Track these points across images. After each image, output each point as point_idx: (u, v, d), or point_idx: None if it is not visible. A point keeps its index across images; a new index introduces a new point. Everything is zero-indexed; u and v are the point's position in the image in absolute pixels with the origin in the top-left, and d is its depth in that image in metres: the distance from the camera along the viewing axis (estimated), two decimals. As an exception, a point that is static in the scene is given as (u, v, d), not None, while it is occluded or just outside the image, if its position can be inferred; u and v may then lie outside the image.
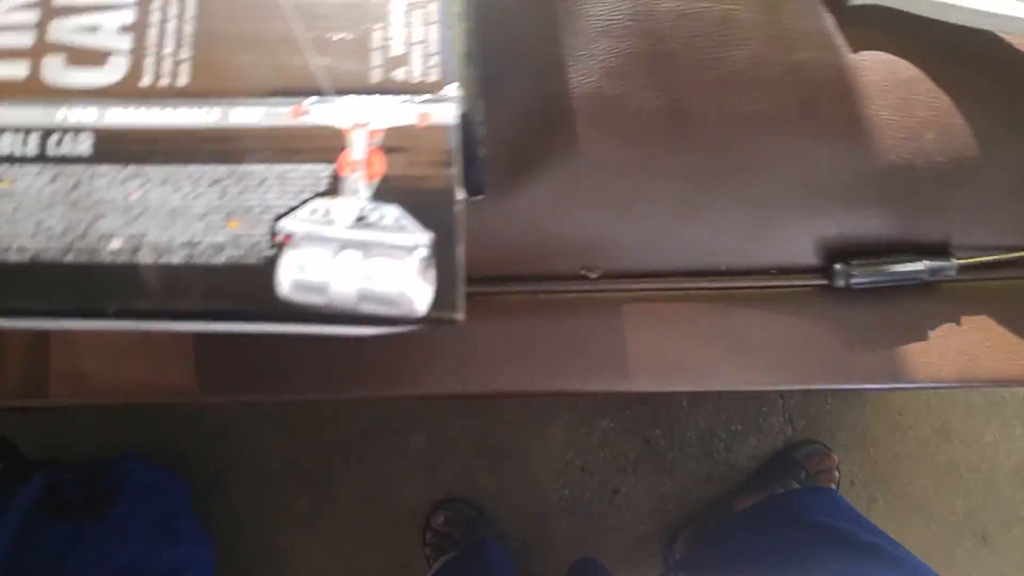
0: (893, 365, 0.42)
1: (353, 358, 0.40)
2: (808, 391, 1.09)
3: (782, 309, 0.42)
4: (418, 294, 0.24)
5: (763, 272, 0.43)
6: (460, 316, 0.24)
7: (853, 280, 0.40)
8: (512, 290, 0.40)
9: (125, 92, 0.26)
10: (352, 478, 1.15)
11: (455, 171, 0.25)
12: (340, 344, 0.40)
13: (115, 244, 0.25)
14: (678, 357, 0.41)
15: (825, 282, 0.42)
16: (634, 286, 0.42)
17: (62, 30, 0.27)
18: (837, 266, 0.40)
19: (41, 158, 0.26)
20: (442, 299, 0.24)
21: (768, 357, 0.41)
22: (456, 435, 1.15)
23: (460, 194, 0.25)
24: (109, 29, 0.27)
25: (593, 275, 0.43)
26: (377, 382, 0.41)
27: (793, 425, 1.21)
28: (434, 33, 0.26)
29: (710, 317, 0.42)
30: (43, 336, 0.40)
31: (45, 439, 1.07)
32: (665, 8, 0.39)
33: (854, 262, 0.40)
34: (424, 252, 0.25)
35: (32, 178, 0.26)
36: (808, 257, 0.42)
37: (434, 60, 0.26)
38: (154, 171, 0.26)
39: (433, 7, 0.27)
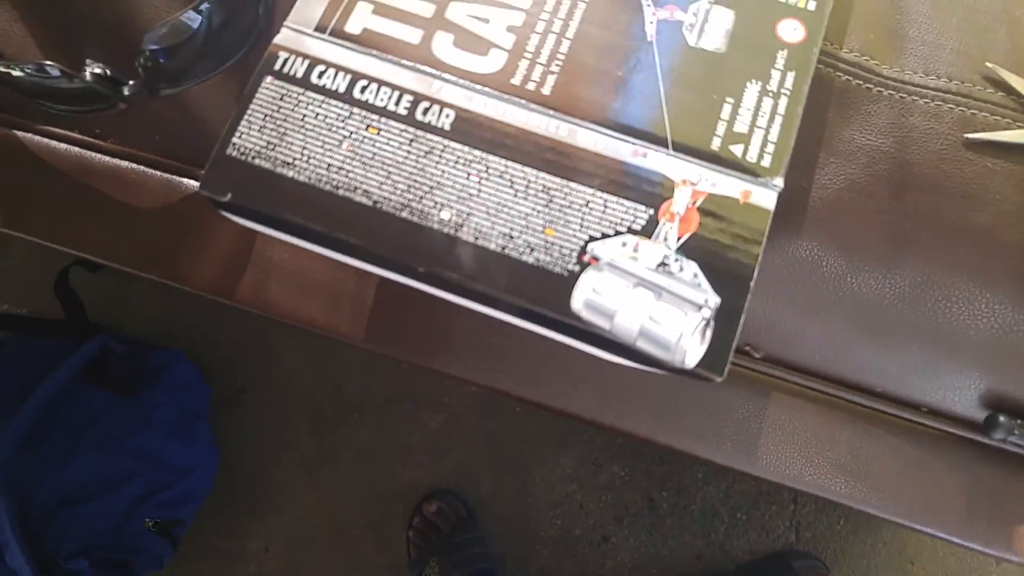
0: (1008, 538, 0.42)
1: (507, 355, 0.42)
2: (825, 505, 1.07)
3: (924, 447, 0.43)
4: (692, 349, 0.26)
5: (916, 406, 0.44)
6: (721, 379, 0.26)
7: (1012, 438, 0.40)
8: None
9: (495, 84, 0.29)
10: (362, 438, 1.16)
11: (760, 252, 0.27)
12: (498, 338, 0.42)
13: (445, 215, 0.28)
14: (804, 455, 0.42)
15: (976, 436, 0.42)
16: (790, 377, 0.44)
17: (459, 13, 0.30)
18: (1001, 417, 0.41)
19: (408, 119, 0.29)
20: (711, 360, 0.26)
21: (889, 483, 0.42)
22: (471, 430, 1.16)
23: (756, 272, 0.27)
24: (499, 24, 0.30)
25: (757, 354, 0.45)
26: (521, 382, 0.42)
27: (798, 534, 1.19)
28: (777, 124, 0.29)
29: (849, 430, 0.43)
30: (247, 246, 0.43)
31: (103, 303, 1.11)
32: (930, 148, 0.40)
33: (1019, 421, 0.40)
34: (709, 313, 0.27)
35: (396, 134, 0.29)
36: (967, 408, 0.43)
37: (771, 148, 0.28)
38: (496, 162, 0.28)
39: (783, 102, 0.29)
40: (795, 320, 0.44)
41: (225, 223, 0.40)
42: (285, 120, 0.29)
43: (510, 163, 0.28)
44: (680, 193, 0.28)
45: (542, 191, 0.28)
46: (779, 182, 0.28)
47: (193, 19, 0.32)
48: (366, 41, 0.30)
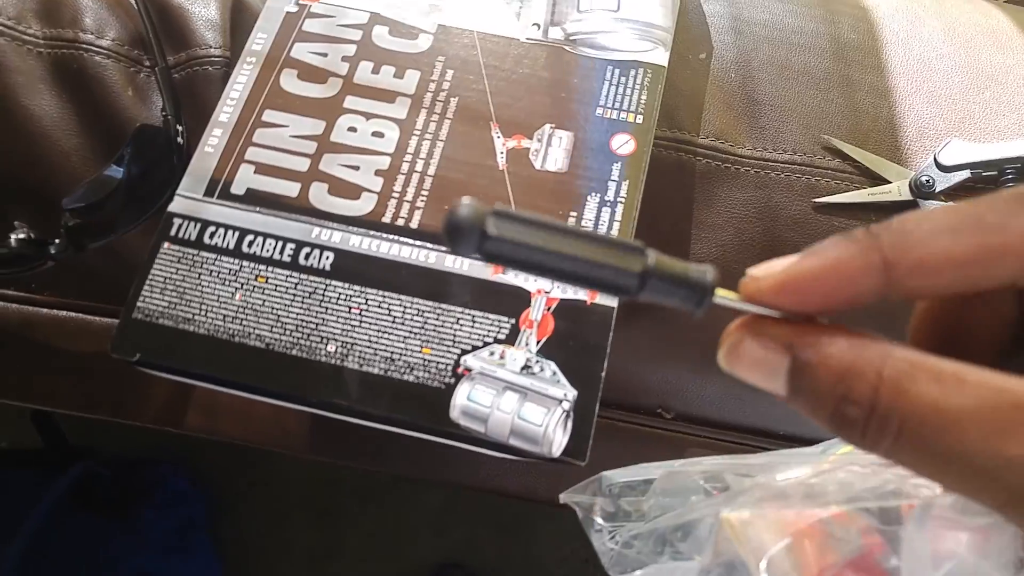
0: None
1: (437, 452, 0.44)
2: None
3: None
4: (556, 440, 0.29)
5: (815, 442, 0.46)
6: (583, 463, 0.28)
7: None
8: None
9: (368, 224, 0.32)
10: (364, 522, 1.15)
11: (608, 346, 0.30)
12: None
13: (331, 347, 0.30)
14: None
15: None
16: (701, 432, 0.46)
17: (332, 163, 0.33)
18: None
19: (292, 265, 0.32)
20: (573, 448, 0.29)
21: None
22: (471, 500, 1.16)
23: (605, 364, 0.30)
24: (368, 170, 0.33)
25: (668, 415, 0.47)
26: (449, 471, 0.44)
27: None
28: (615, 229, 0.31)
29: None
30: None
31: (85, 421, 1.10)
32: (786, 215, 0.44)
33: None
34: (568, 405, 0.29)
35: (282, 280, 0.31)
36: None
37: None
38: (374, 294, 0.31)
39: (620, 209, 0.32)
40: (694, 380, 0.46)
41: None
42: (183, 280, 0.31)
43: (387, 293, 0.31)
44: (536, 302, 0.31)
45: (417, 315, 0.31)
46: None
47: (107, 178, 0.35)
48: (250, 199, 0.33)
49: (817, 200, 0.42)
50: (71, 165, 0.40)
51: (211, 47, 0.40)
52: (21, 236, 0.36)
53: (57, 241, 0.36)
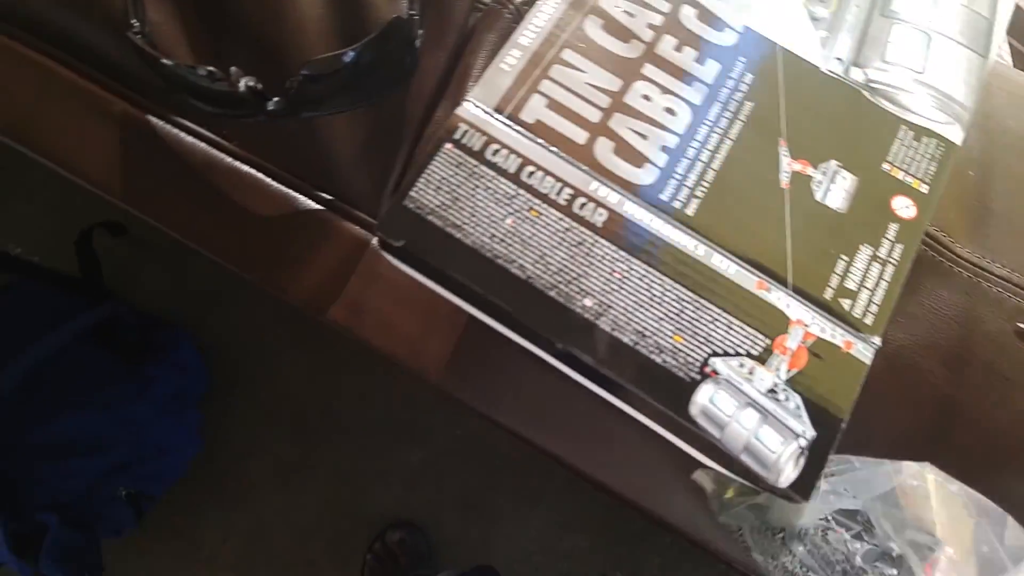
0: None
1: (575, 427, 0.42)
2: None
3: None
4: (786, 472, 0.28)
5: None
6: (804, 502, 0.28)
7: None
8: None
9: (646, 196, 0.31)
10: (341, 456, 1.15)
11: (854, 399, 0.29)
12: (554, 402, 0.42)
13: (588, 302, 0.30)
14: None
15: None
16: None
17: (622, 124, 0.32)
18: None
19: (566, 210, 0.31)
20: (800, 484, 0.28)
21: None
22: (448, 471, 1.15)
23: (848, 416, 0.29)
24: (655, 142, 0.32)
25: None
26: (610, 474, 0.42)
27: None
28: (882, 288, 0.31)
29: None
30: (347, 271, 0.44)
31: (115, 271, 1.09)
32: (984, 329, 0.43)
33: None
34: (805, 443, 0.29)
35: (553, 221, 0.31)
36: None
37: (874, 308, 0.31)
38: (638, 266, 0.30)
39: (889, 269, 0.31)
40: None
41: (331, 244, 0.41)
42: (459, 187, 0.30)
43: (650, 269, 0.30)
44: (794, 331, 0.30)
45: (676, 301, 0.30)
46: (877, 340, 0.30)
47: (349, 56, 0.34)
48: (537, 131, 0.32)
49: (1022, 326, 0.41)
50: (306, 33, 0.39)
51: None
52: (251, 83, 0.34)
53: (277, 99, 0.35)
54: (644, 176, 0.32)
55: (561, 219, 0.31)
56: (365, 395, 1.15)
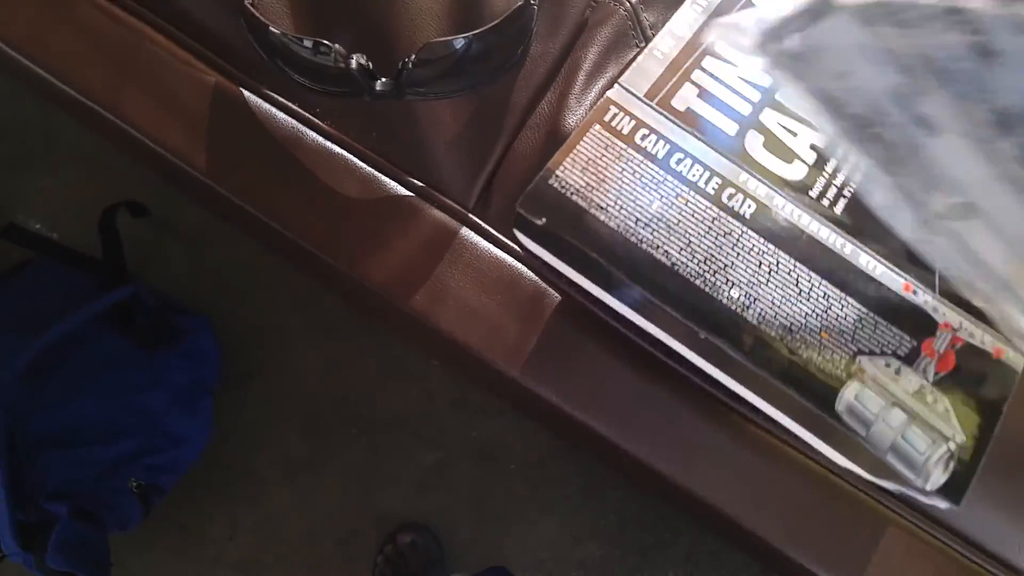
0: None
1: (657, 428, 0.41)
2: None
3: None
4: (935, 475, 0.29)
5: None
6: (955, 506, 0.28)
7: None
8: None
9: (794, 191, 0.32)
10: (353, 454, 1.14)
11: (1006, 406, 0.30)
12: (640, 403, 0.42)
13: (734, 293, 0.30)
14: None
15: None
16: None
17: (772, 119, 0.33)
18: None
19: (714, 199, 0.31)
20: (950, 489, 0.29)
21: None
22: (462, 475, 1.15)
23: (1000, 422, 0.29)
24: (804, 140, 0.33)
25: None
26: (673, 464, 0.42)
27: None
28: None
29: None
30: (433, 259, 0.43)
31: (136, 252, 1.09)
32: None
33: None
34: (954, 447, 0.29)
35: (701, 209, 0.31)
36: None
37: None
38: (786, 259, 0.31)
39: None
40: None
41: (416, 231, 0.41)
42: (607, 168, 0.31)
43: (798, 264, 0.31)
44: (941, 334, 0.31)
45: (822, 297, 0.30)
46: (1025, 347, 0.31)
47: (467, 42, 0.34)
48: (687, 119, 0.32)
49: None
50: (422, 13, 0.39)
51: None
52: (362, 61, 0.34)
53: (385, 80, 0.35)
54: (794, 172, 0.32)
55: (709, 208, 0.31)
56: (380, 393, 1.15)
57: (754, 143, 0.33)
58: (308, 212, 0.42)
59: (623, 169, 0.31)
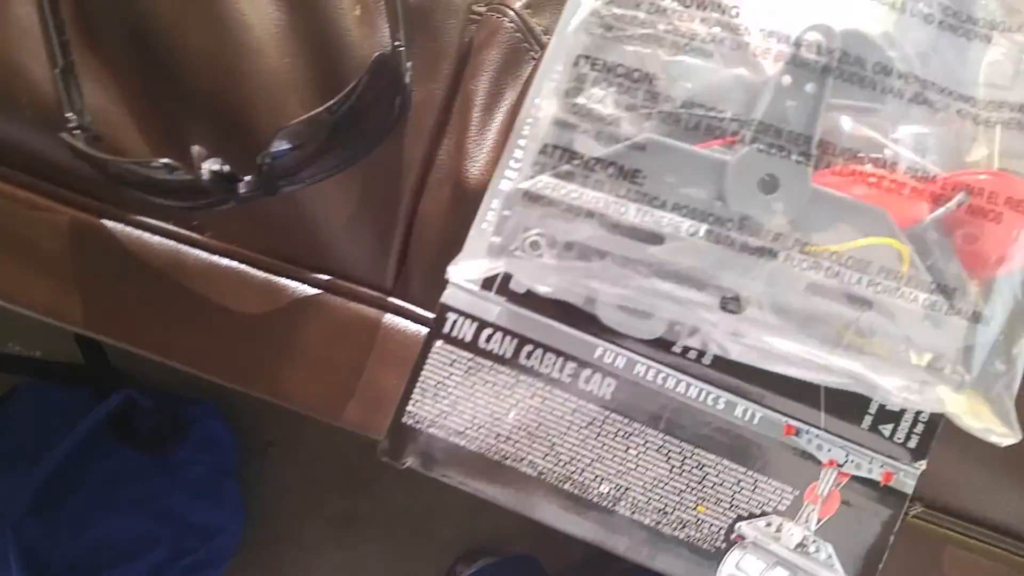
0: None
1: None
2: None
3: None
4: (830, 626, 0.29)
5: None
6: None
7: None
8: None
9: (656, 350, 0.32)
10: (395, 497, 1.15)
11: (892, 538, 0.30)
12: None
13: (604, 488, 0.31)
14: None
15: None
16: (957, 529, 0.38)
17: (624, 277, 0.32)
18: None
19: (571, 387, 0.31)
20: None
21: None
22: None
23: (885, 558, 0.30)
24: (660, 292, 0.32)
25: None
26: None
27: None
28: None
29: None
30: (357, 366, 0.37)
31: (124, 349, 1.07)
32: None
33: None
34: (843, 595, 0.30)
35: (559, 404, 0.31)
36: None
37: (919, 428, 0.31)
38: (653, 436, 0.31)
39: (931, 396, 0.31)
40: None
41: (334, 332, 0.37)
42: (456, 387, 0.31)
43: (667, 438, 0.31)
44: (826, 474, 0.31)
45: (697, 467, 0.31)
46: (922, 465, 0.31)
47: (322, 117, 0.30)
48: (530, 301, 0.32)
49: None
50: (274, 88, 0.34)
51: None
52: (215, 168, 0.30)
53: (249, 179, 0.31)
54: (651, 328, 0.32)
55: (567, 399, 0.31)
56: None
57: (606, 308, 0.32)
58: (207, 341, 0.39)
59: (474, 383, 0.31)
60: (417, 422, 0.31)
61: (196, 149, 0.30)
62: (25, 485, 0.82)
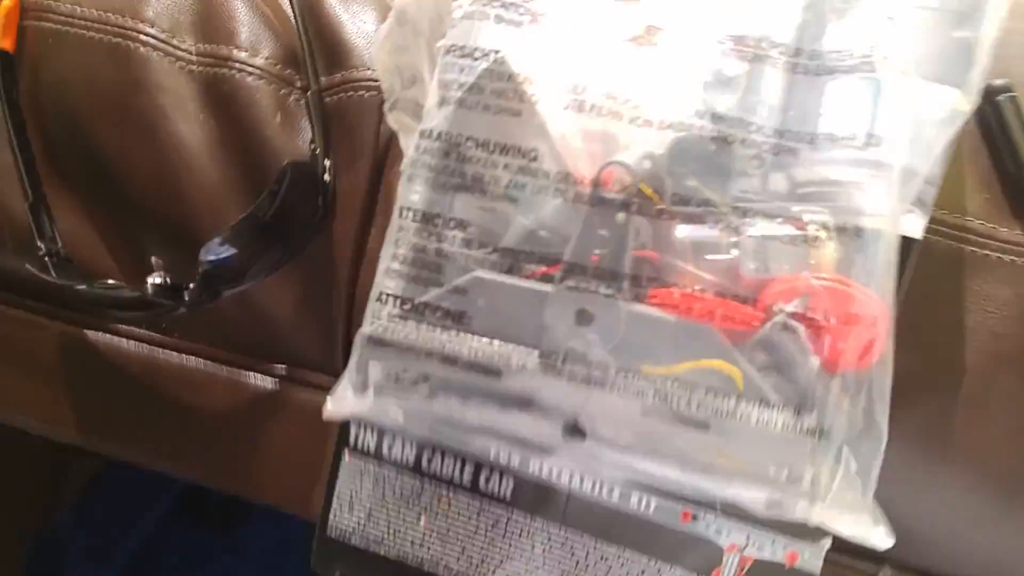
0: None
1: None
2: None
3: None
4: None
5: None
6: None
7: None
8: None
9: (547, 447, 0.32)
10: None
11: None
12: None
13: (515, 586, 0.32)
14: None
15: None
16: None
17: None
18: None
19: (472, 489, 0.33)
20: None
21: None
22: None
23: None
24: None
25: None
26: None
27: None
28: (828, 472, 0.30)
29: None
30: (321, 456, 0.38)
31: None
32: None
33: None
34: None
35: (464, 506, 0.33)
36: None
37: (820, 505, 0.30)
38: (556, 532, 0.32)
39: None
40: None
41: (297, 423, 0.39)
42: (369, 497, 0.34)
43: (570, 533, 0.32)
44: (728, 559, 0.30)
45: (600, 560, 0.32)
46: (826, 543, 0.30)
47: (248, 222, 0.33)
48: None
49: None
50: (212, 198, 0.37)
51: (368, 68, 0.36)
52: (157, 281, 0.34)
53: (192, 287, 0.34)
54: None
55: (471, 501, 0.33)
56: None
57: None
58: (183, 441, 0.42)
59: (384, 492, 0.34)
60: (340, 534, 0.34)
61: (154, 260, 0.34)
62: (106, 565, 0.84)
